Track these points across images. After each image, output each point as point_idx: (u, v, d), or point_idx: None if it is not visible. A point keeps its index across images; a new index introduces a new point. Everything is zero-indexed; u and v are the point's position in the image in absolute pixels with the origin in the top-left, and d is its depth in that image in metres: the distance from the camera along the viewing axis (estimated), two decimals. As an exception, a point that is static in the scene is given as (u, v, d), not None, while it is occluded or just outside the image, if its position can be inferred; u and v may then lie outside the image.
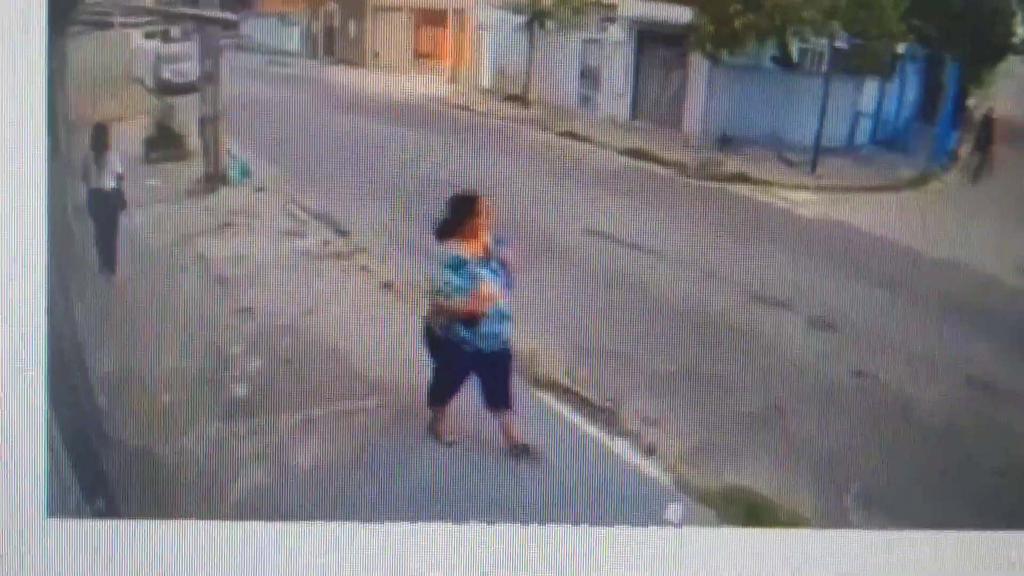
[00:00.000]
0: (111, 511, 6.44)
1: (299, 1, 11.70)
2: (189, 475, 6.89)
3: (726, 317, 8.43)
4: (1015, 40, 10.19)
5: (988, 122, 10.30)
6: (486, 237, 6.75)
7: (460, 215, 6.72)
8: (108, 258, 8.65)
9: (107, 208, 8.68)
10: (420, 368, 7.18)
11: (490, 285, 6.68)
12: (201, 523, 6.30)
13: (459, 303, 6.66)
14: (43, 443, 6.12)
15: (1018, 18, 10.12)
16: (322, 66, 11.67)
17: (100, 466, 6.63)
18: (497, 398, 7.02)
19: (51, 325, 6.16)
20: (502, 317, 6.81)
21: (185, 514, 6.42)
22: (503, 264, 6.77)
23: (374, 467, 6.93)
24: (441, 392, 7.13)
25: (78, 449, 6.42)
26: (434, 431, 7.22)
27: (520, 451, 7.04)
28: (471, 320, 6.70)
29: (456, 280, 6.60)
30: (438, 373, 7.07)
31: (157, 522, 6.28)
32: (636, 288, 8.62)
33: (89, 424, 6.71)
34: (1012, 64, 10.26)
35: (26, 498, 6.10)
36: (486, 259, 6.71)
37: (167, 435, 7.17)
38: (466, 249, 6.67)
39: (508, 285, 6.80)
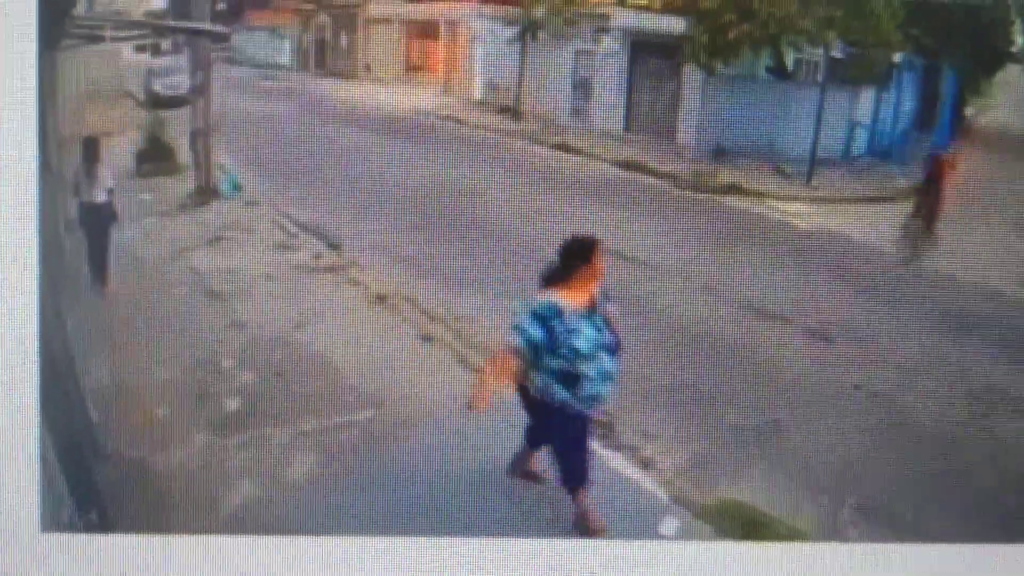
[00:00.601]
0: (104, 525, 6.45)
1: (290, 14, 11.71)
2: (182, 489, 6.87)
3: (722, 329, 8.39)
4: (1013, 49, 10.15)
5: (936, 167, 9.50)
6: (595, 288, 5.93)
7: (572, 260, 5.86)
8: (99, 272, 8.64)
9: (98, 221, 8.67)
10: (411, 381, 7.15)
11: (588, 339, 5.81)
12: (194, 537, 6.33)
13: (488, 369, 5.95)
14: (36, 457, 6.13)
15: (1016, 26, 10.08)
16: (313, 79, 11.68)
17: (93, 480, 6.63)
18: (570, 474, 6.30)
19: (43, 339, 6.16)
20: (606, 377, 5.98)
21: (178, 528, 6.45)
22: (608, 321, 5.98)
23: (367, 480, 6.90)
24: (575, 464, 6.28)
25: (71, 463, 6.44)
26: (584, 526, 6.42)
27: (527, 477, 6.65)
28: (570, 379, 5.87)
29: (535, 333, 5.76)
30: (561, 447, 6.24)
31: (150, 536, 6.31)
32: (630, 300, 8.55)
33: (82, 438, 6.72)
34: (1011, 73, 10.22)
35: (20, 512, 6.11)
36: (590, 312, 5.88)
37: (160, 449, 7.15)
38: (571, 299, 5.81)
39: (615, 344, 5.97)
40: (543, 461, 6.60)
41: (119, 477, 6.83)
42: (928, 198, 9.32)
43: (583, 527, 6.32)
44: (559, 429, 6.08)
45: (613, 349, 5.96)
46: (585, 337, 5.81)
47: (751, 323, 8.44)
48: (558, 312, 5.75)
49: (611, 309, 6.00)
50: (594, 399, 5.98)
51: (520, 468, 6.68)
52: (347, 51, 11.63)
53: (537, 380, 5.91)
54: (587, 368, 5.86)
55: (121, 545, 6.27)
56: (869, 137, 10.54)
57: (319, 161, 9.14)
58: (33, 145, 6.16)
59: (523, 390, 6.05)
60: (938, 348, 8.07)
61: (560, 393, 5.89)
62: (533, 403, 6.04)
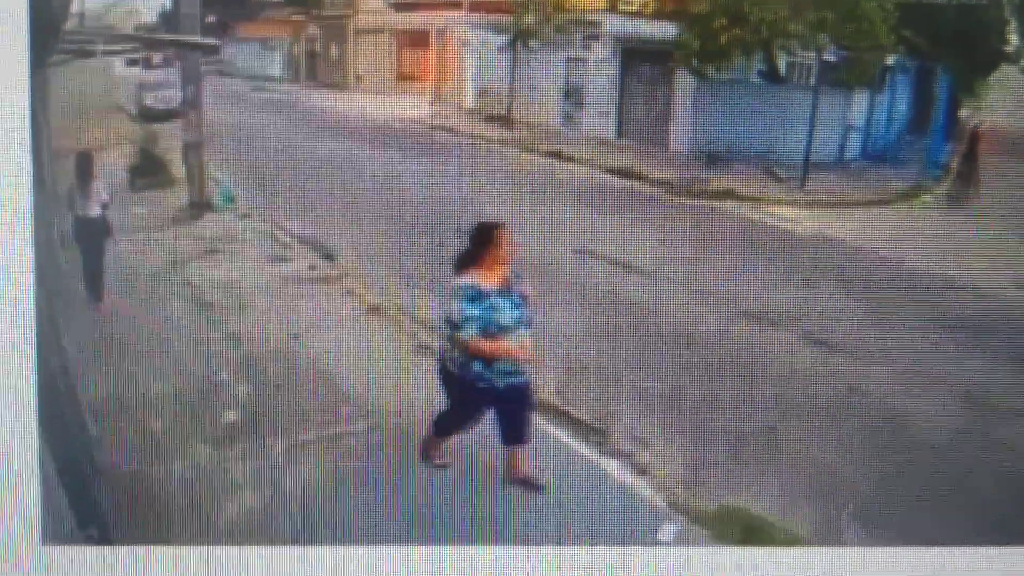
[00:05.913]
0: (104, 538, 6.49)
1: (280, 25, 11.71)
2: (181, 501, 6.87)
3: (717, 335, 8.38)
4: (1008, 49, 10.13)
5: (974, 137, 10.13)
6: (506, 269, 6.53)
7: (480, 244, 6.48)
8: (94, 287, 8.61)
9: (92, 236, 8.66)
10: (409, 391, 7.16)
11: (509, 315, 6.43)
12: (193, 548, 6.35)
13: (484, 345, 6.42)
14: (36, 471, 6.15)
15: (1011, 27, 10.06)
16: (305, 90, 11.68)
17: (92, 493, 6.64)
18: (515, 434, 6.82)
19: (41, 354, 6.18)
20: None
21: (177, 540, 6.46)
22: (524, 297, 6.56)
23: (364, 491, 6.91)
24: (449, 426, 6.96)
25: (70, 477, 6.45)
26: (426, 454, 7.09)
27: (523, 484, 6.91)
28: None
29: (474, 312, 6.35)
30: (451, 409, 6.86)
31: (150, 548, 6.33)
32: (625, 307, 8.57)
33: (81, 452, 6.71)
34: (1006, 74, 10.20)
35: (20, 526, 6.13)
36: (506, 290, 6.48)
37: (158, 461, 7.14)
38: (485, 280, 6.42)
39: (528, 319, 6.56)
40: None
41: (118, 490, 6.83)
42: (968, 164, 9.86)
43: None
44: (499, 401, 6.64)
45: (528, 324, 6.58)
46: (505, 313, 6.43)
47: (746, 328, 8.43)
48: (481, 292, 6.36)
49: (525, 288, 6.58)
50: (513, 373, 6.57)
51: (509, 472, 6.92)
52: (338, 62, 11.63)
53: (457, 357, 6.52)
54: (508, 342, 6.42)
55: (121, 557, 6.30)
56: (863, 140, 10.51)
57: (312, 172, 9.14)
58: (27, 161, 6.17)
59: (443, 368, 6.71)
60: (934, 352, 8.05)
61: (479, 369, 6.48)
62: (450, 379, 6.66)
